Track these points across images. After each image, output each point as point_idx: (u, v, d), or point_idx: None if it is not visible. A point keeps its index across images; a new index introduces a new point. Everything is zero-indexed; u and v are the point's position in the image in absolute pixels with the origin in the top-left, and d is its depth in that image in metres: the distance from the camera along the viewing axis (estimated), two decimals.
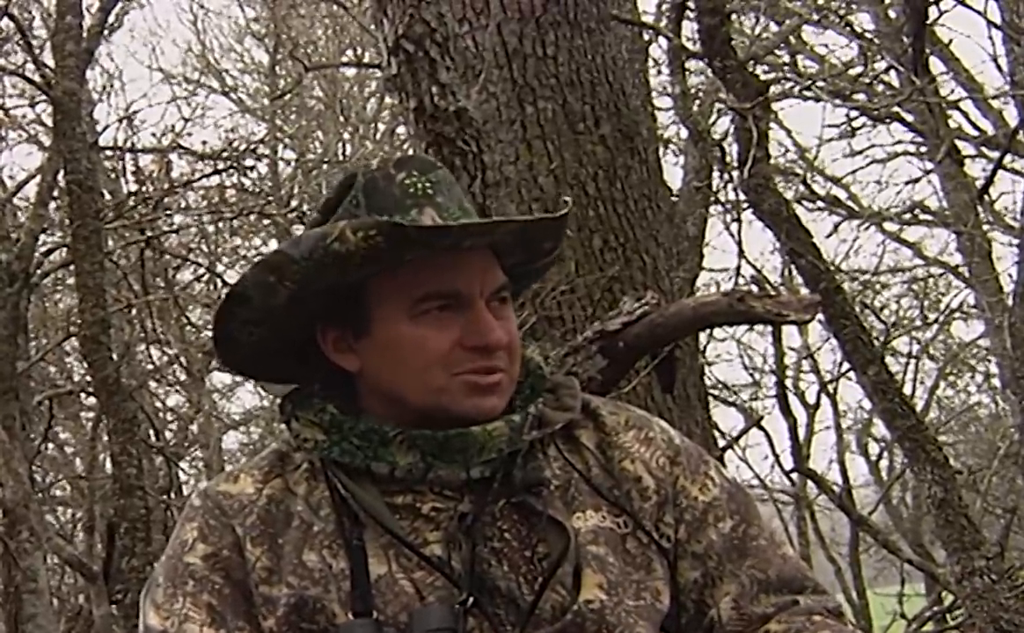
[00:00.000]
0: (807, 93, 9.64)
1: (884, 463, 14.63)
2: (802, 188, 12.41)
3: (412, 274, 1.51)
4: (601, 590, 1.49)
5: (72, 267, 8.86)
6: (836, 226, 12.65)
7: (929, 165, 11.43)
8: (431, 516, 1.52)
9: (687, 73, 7.55)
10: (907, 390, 11.96)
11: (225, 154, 10.77)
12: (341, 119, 13.38)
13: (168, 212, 10.93)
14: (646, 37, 7.89)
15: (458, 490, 1.53)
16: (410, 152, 3.08)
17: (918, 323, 13.18)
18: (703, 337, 9.09)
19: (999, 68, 10.79)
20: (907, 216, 13.13)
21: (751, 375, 13.44)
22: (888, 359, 8.73)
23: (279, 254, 1.52)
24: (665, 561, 1.56)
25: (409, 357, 1.52)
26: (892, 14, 9.99)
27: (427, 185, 1.54)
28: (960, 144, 10.95)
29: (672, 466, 1.61)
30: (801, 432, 11.61)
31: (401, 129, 11.66)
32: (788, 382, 12.02)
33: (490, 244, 1.55)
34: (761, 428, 11.77)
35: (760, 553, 1.58)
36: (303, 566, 1.50)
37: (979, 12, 7.81)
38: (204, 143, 12.07)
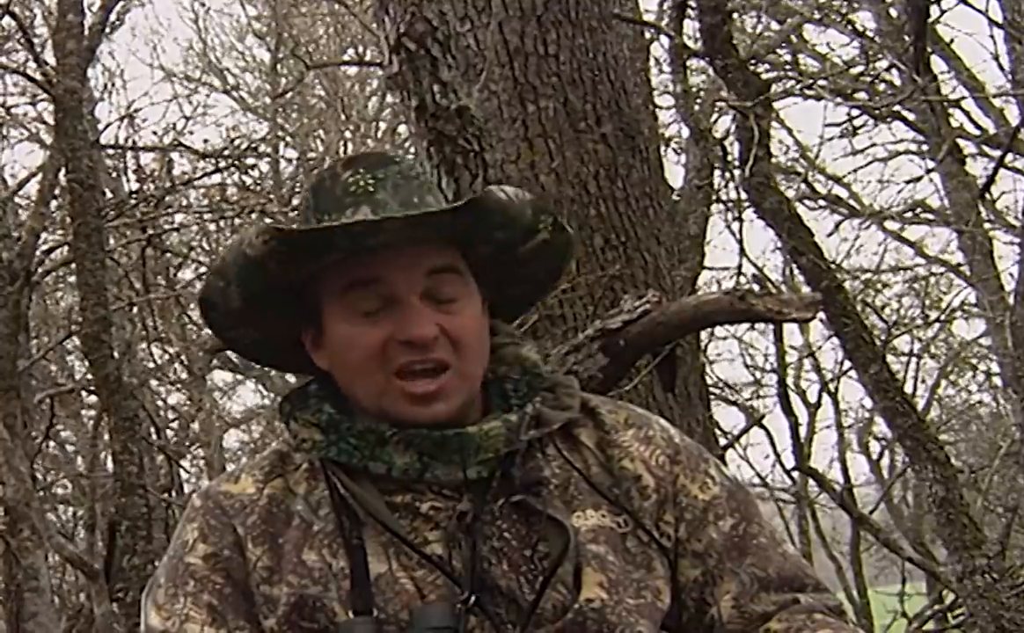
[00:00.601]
0: (808, 92, 9.63)
1: (885, 462, 14.61)
2: (803, 187, 12.41)
3: (342, 270, 1.53)
4: (602, 589, 1.49)
5: (73, 265, 8.86)
6: (837, 225, 12.65)
7: (930, 164, 11.41)
8: (430, 515, 1.52)
9: (688, 72, 7.55)
10: (908, 389, 11.95)
11: (226, 152, 10.75)
12: (343, 118, 13.37)
13: (169, 210, 10.92)
14: (647, 36, 7.89)
15: (456, 489, 1.53)
16: (411, 150, 3.08)
17: (919, 322, 13.15)
18: (704, 336, 9.09)
19: (1000, 67, 10.81)
20: (908, 215, 13.12)
21: (752, 374, 13.44)
22: (889, 358, 8.72)
23: (220, 259, 1.56)
24: (665, 560, 1.56)
25: (349, 356, 1.54)
26: (893, 13, 9.98)
27: (370, 182, 1.55)
28: (961, 143, 10.94)
29: (672, 465, 1.61)
30: (802, 431, 11.59)
31: (402, 127, 11.66)
32: (789, 381, 11.99)
33: (413, 239, 1.52)
34: (762, 427, 11.77)
35: (760, 551, 1.58)
36: (303, 565, 1.50)
37: (981, 11, 7.81)
38: (205, 141, 12.08)
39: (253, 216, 10.85)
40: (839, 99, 9.89)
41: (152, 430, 11.05)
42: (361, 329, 1.53)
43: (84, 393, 11.60)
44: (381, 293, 1.52)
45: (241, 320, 1.59)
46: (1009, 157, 9.52)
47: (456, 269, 1.56)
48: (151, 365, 12.21)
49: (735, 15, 8.15)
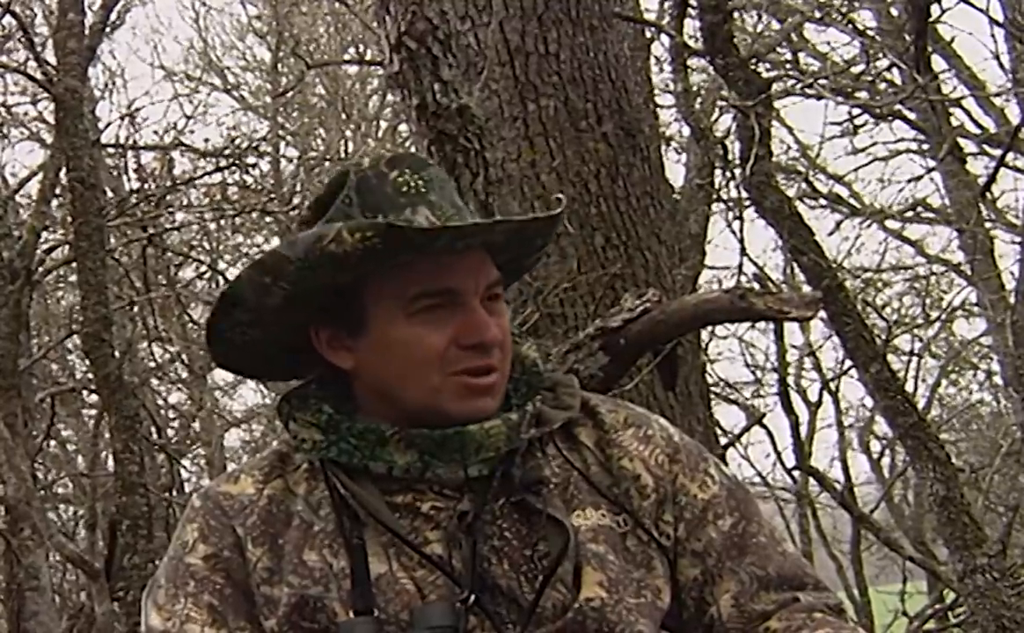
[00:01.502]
0: (809, 91, 9.62)
1: (886, 461, 14.61)
2: (804, 186, 12.40)
3: (407, 273, 1.51)
4: (602, 588, 1.49)
5: (74, 264, 8.87)
6: (838, 224, 12.65)
7: (931, 163, 11.42)
8: (431, 515, 1.52)
9: (689, 71, 7.54)
10: (909, 388, 11.93)
11: (227, 152, 10.75)
12: (343, 117, 13.37)
13: (170, 209, 10.92)
14: (648, 34, 7.88)
15: (457, 489, 1.53)
16: (412, 149, 3.08)
17: (920, 321, 13.14)
18: (705, 334, 9.10)
19: (1001, 66, 10.82)
20: (909, 214, 13.11)
21: (753, 373, 13.44)
22: (890, 357, 8.73)
23: (275, 255, 1.52)
24: (665, 559, 1.56)
25: (405, 356, 1.52)
26: (894, 12, 9.98)
27: (420, 183, 1.55)
28: (962, 142, 10.94)
29: (671, 464, 1.60)
30: (803, 430, 11.58)
31: (403, 127, 11.64)
32: (790, 380, 12.00)
33: (485, 243, 1.55)
34: (763, 426, 11.76)
35: (760, 550, 1.58)
36: (303, 565, 1.50)
37: (981, 10, 7.77)
38: (206, 140, 12.13)
39: (254, 215, 10.86)
40: (840, 98, 9.87)
41: (153, 429, 11.06)
42: (423, 330, 1.52)
43: (85, 392, 11.61)
44: (447, 297, 1.52)
45: (259, 320, 1.56)
46: (1010, 156, 9.52)
47: (501, 278, 1.58)
48: (152, 364, 12.22)
49: (736, 14, 8.15)
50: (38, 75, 8.74)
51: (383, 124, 13.41)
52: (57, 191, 9.89)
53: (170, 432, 12.84)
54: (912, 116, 11.07)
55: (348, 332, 1.56)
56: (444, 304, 1.52)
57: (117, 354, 8.15)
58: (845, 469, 12.14)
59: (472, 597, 1.46)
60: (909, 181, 14.14)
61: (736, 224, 9.66)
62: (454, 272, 1.52)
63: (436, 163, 2.81)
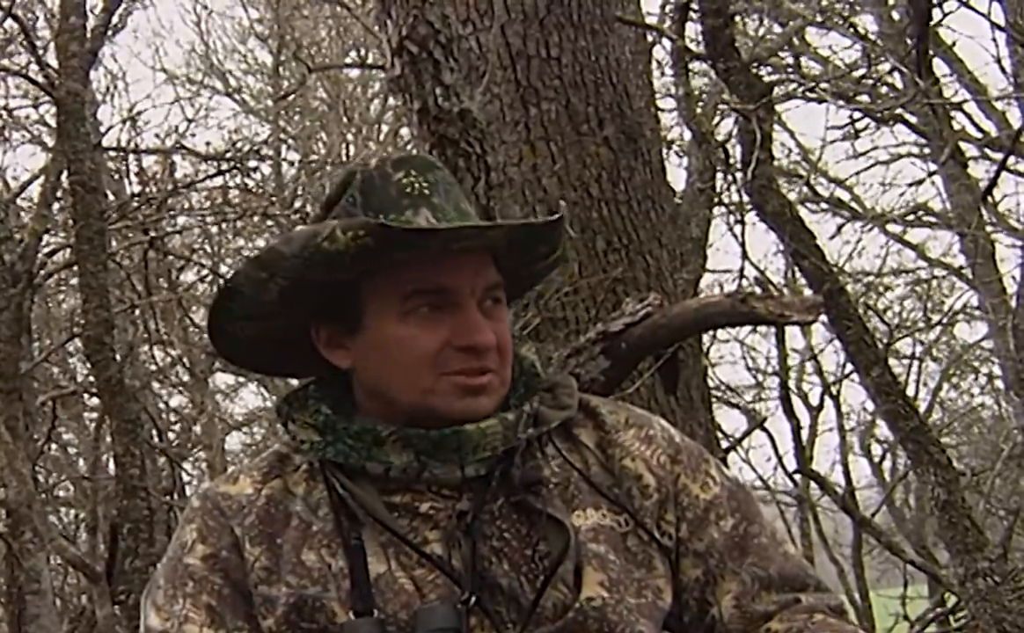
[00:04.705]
0: (811, 95, 9.62)
1: (887, 465, 14.63)
2: (805, 190, 12.40)
3: (403, 272, 1.51)
4: (602, 588, 1.49)
5: (75, 268, 8.87)
6: (839, 228, 12.66)
7: (932, 167, 11.44)
8: (429, 515, 1.52)
9: (691, 75, 7.55)
10: (910, 392, 11.94)
11: (228, 155, 10.75)
12: (344, 120, 13.38)
13: (171, 213, 10.94)
14: (650, 39, 7.89)
15: (456, 489, 1.53)
16: (414, 152, 3.08)
17: (921, 325, 13.16)
18: (706, 338, 9.10)
19: (1003, 70, 10.80)
20: (910, 218, 13.14)
21: (754, 377, 13.46)
22: (891, 361, 8.73)
23: (271, 251, 1.54)
24: (666, 559, 1.56)
25: (398, 356, 1.53)
26: (895, 16, 10.00)
27: (424, 185, 1.55)
28: (963, 146, 10.96)
29: (673, 464, 1.60)
30: (804, 434, 11.61)
31: (405, 130, 11.65)
32: (791, 384, 12.01)
33: (483, 246, 1.54)
34: (764, 430, 11.79)
35: (762, 551, 1.58)
36: (302, 565, 1.50)
37: (983, 14, 7.80)
38: (208, 144, 12.12)
39: (255, 219, 10.87)
40: (841, 102, 9.88)
41: (154, 432, 11.07)
42: (417, 331, 1.52)
43: (86, 395, 11.62)
44: (442, 296, 1.52)
45: (258, 315, 1.58)
46: (1011, 160, 9.52)
47: (501, 282, 1.57)
48: (153, 368, 12.24)
49: (737, 18, 8.16)
50: (40, 78, 8.75)
51: (384, 128, 13.42)
52: (58, 194, 9.90)
53: (171, 435, 12.85)
54: (913, 120, 11.07)
55: (346, 331, 1.57)
56: (439, 304, 1.52)
57: (118, 357, 8.16)
58: (846, 473, 12.17)
59: (472, 597, 1.46)
60: (910, 185, 14.14)
61: (737, 228, 9.70)
62: (449, 272, 1.52)
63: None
